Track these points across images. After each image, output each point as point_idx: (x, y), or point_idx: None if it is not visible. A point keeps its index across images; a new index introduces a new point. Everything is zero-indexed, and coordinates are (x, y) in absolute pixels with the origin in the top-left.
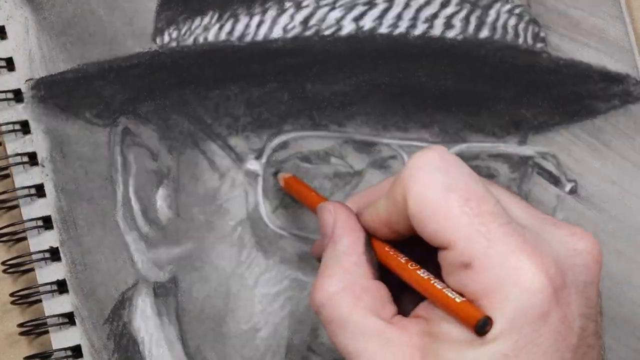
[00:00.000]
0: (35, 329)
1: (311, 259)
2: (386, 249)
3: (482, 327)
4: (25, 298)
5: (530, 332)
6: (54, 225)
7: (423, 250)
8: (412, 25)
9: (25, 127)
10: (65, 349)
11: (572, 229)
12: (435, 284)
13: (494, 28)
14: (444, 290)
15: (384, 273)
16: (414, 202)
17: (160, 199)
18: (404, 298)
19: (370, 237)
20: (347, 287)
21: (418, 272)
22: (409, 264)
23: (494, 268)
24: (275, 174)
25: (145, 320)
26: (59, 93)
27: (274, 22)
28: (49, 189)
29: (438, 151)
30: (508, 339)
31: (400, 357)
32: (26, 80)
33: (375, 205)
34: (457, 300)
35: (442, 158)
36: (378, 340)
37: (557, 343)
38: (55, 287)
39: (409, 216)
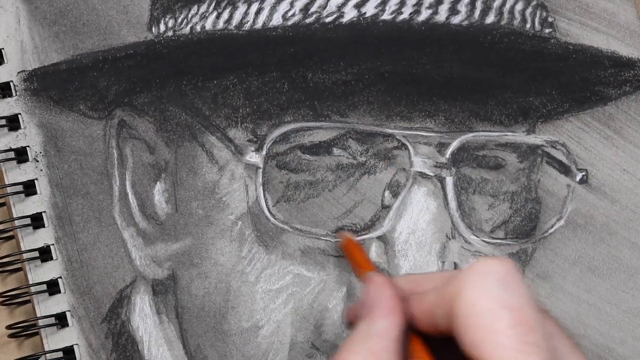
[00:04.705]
0: (24, 330)
1: (314, 254)
2: (421, 350)
3: None
4: (15, 298)
5: None
6: (49, 222)
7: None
8: (416, 12)
9: (14, 122)
10: (56, 351)
11: None
12: None
13: (500, 13)
14: None
15: None
16: (465, 305)
17: (158, 194)
18: None
19: (409, 328)
20: None
21: None
22: None
23: None
24: (336, 230)
25: (144, 319)
26: (52, 85)
27: (273, 9)
28: (43, 184)
29: (505, 263)
30: None
31: None
32: (18, 72)
33: (425, 295)
34: None
35: (507, 271)
36: None
37: None
38: (45, 288)
39: (454, 317)
